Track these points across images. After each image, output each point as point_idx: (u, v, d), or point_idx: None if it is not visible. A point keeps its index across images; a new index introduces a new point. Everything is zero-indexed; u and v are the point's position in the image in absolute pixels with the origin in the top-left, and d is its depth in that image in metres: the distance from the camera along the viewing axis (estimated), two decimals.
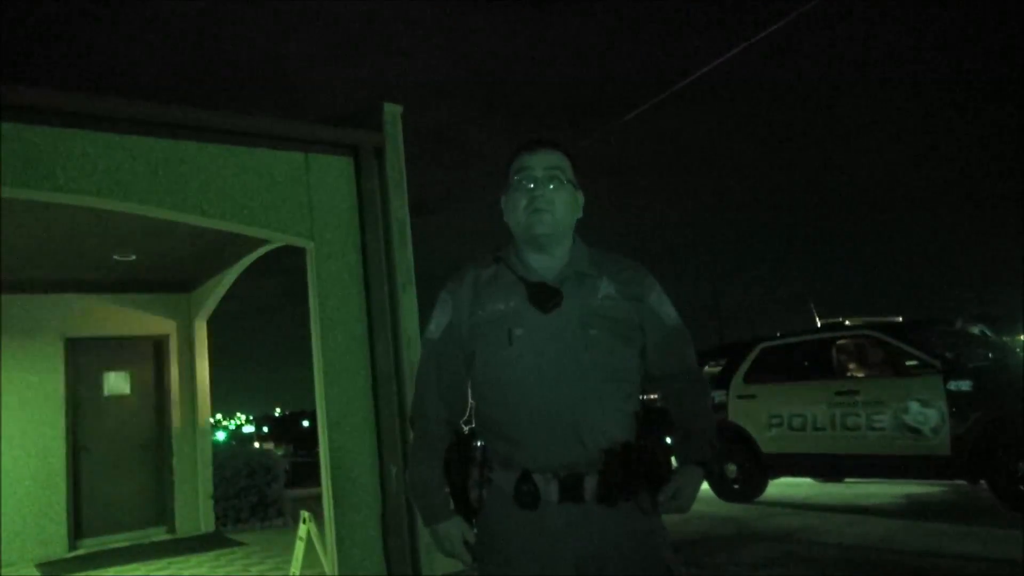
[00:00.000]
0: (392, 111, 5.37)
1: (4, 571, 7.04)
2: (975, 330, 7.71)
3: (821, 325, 8.24)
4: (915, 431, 6.56)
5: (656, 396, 1.90)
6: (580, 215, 1.87)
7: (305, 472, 13.93)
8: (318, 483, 5.11)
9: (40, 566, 7.08)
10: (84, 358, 8.15)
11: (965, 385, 6.37)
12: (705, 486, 6.52)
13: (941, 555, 5.06)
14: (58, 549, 7.54)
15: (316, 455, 5.08)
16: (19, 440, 7.52)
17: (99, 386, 8.31)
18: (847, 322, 7.92)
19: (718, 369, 8.79)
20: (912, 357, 6.84)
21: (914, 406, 6.59)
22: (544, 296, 1.73)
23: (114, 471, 8.20)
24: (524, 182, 1.79)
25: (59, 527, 7.61)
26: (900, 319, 8.07)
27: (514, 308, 1.74)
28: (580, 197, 1.87)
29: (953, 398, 6.38)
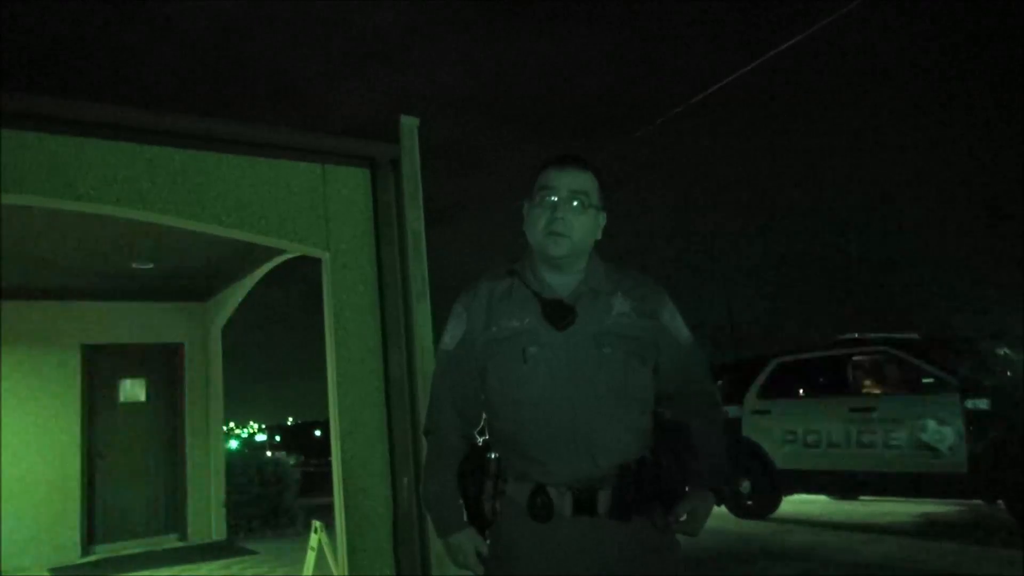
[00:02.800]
0: (409, 123, 5.40)
1: (18, 575, 7.09)
2: (999, 350, 7.62)
3: (837, 341, 8.17)
4: (932, 449, 6.49)
5: (663, 412, 1.89)
6: (599, 237, 1.86)
7: (317, 481, 13.94)
8: (330, 492, 5.12)
9: (53, 571, 7.13)
10: (100, 365, 8.22)
11: (983, 403, 6.31)
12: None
13: (956, 575, 5.00)
14: (71, 555, 7.59)
15: (328, 464, 5.09)
16: (35, 446, 7.59)
17: (115, 393, 8.38)
18: (863, 338, 7.86)
19: (734, 384, 8.73)
20: (929, 374, 6.78)
21: (931, 424, 6.52)
22: (558, 314, 1.73)
23: (128, 478, 8.25)
24: (548, 199, 1.79)
25: (73, 533, 7.67)
26: (917, 336, 8.00)
27: (528, 325, 1.74)
28: (602, 219, 1.86)
29: (970, 416, 6.31)
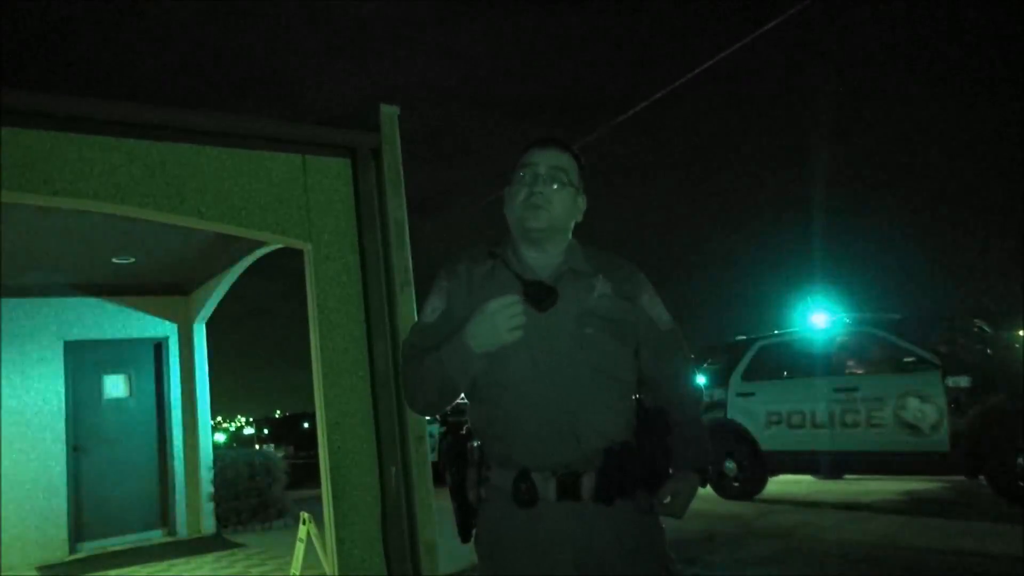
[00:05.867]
0: (389, 112, 5.36)
1: (5, 574, 7.05)
2: (979, 327, 7.72)
3: (820, 322, 8.25)
4: (914, 427, 6.57)
5: (644, 396, 1.90)
6: (579, 219, 1.86)
7: (306, 473, 13.95)
8: (319, 484, 5.12)
9: (41, 569, 7.09)
10: (83, 361, 8.15)
11: (963, 381, 6.39)
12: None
13: (940, 551, 5.07)
14: (58, 552, 7.55)
15: (316, 456, 5.09)
16: (19, 443, 7.52)
17: (98, 389, 8.32)
18: (845, 319, 7.93)
19: (718, 367, 8.80)
20: (910, 353, 6.85)
21: (912, 402, 6.60)
22: (540, 294, 1.72)
23: (114, 474, 8.20)
24: (526, 177, 1.79)
25: (59, 530, 7.62)
26: (898, 315, 8.08)
27: None
28: (582, 202, 1.86)
29: (951, 394, 6.40)
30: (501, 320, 1.62)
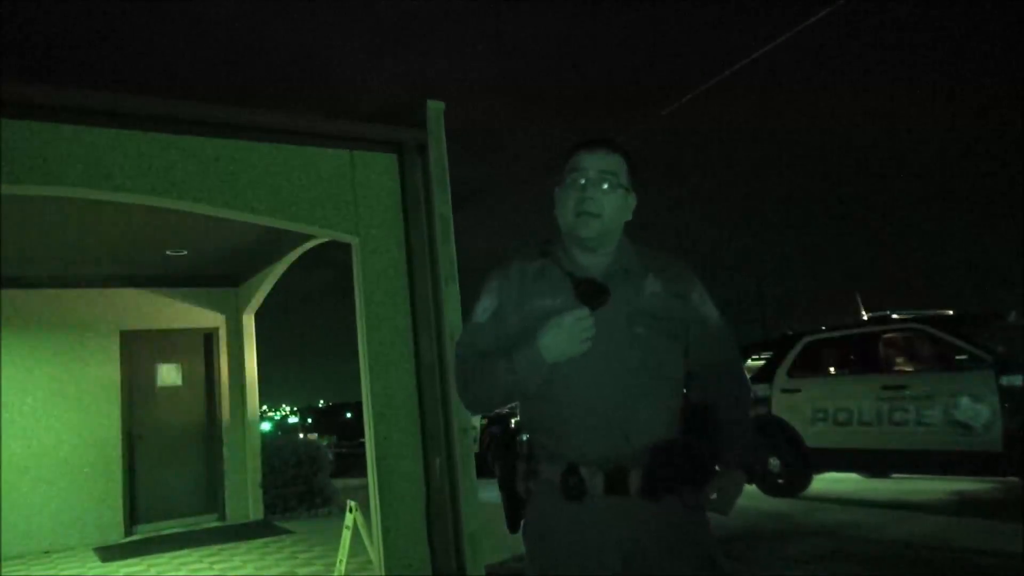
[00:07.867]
0: (435, 108, 5.42)
1: (63, 555, 7.33)
2: None
3: (867, 318, 8.10)
4: (965, 427, 6.43)
5: (692, 393, 1.91)
6: (629, 218, 1.87)
7: (348, 462, 14.19)
8: (360, 473, 5.21)
9: (98, 550, 7.35)
10: (138, 350, 8.42)
11: (1018, 380, 6.23)
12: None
13: (991, 553, 4.98)
14: (115, 534, 7.82)
15: (358, 446, 5.18)
16: (78, 429, 7.81)
17: (152, 377, 8.58)
18: (894, 315, 7.78)
19: (762, 363, 8.71)
20: (962, 351, 6.70)
21: (965, 401, 6.46)
22: (592, 293, 1.74)
23: (167, 460, 8.47)
24: (577, 181, 1.81)
25: (116, 513, 7.90)
26: (950, 312, 7.90)
27: (561, 305, 1.74)
28: (631, 200, 1.87)
29: (1006, 393, 6.24)
30: (575, 332, 1.67)
